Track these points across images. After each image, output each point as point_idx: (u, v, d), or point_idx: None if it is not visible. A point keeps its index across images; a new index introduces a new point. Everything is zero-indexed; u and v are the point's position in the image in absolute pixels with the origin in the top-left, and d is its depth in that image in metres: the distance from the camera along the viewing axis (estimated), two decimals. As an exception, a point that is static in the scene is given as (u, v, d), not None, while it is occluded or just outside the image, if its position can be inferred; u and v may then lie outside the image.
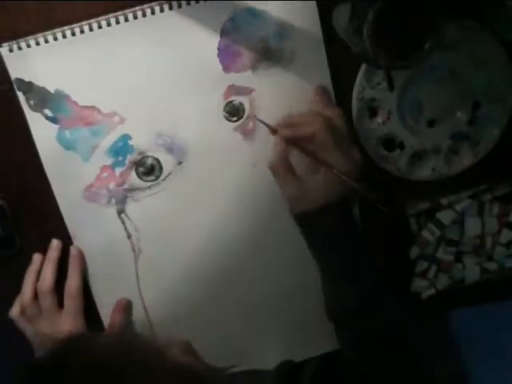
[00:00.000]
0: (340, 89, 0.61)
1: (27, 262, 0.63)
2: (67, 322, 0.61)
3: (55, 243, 0.63)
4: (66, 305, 0.62)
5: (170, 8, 0.57)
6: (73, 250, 0.63)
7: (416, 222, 0.67)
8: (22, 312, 0.62)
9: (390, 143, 0.63)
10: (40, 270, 0.62)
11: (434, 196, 0.66)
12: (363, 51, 0.51)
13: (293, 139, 0.58)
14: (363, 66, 0.60)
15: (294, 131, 0.58)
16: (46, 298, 0.61)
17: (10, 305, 0.63)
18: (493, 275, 0.69)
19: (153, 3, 0.57)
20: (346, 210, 0.58)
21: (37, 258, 0.63)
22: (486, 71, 0.60)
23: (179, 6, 0.57)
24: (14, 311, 0.62)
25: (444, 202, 0.66)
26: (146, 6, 0.57)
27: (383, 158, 0.63)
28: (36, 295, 0.62)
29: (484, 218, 0.67)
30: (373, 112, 0.62)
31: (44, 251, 0.63)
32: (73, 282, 0.62)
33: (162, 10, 0.57)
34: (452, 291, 0.69)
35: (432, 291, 0.68)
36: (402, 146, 0.63)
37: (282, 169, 0.58)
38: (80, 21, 0.57)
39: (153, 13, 0.57)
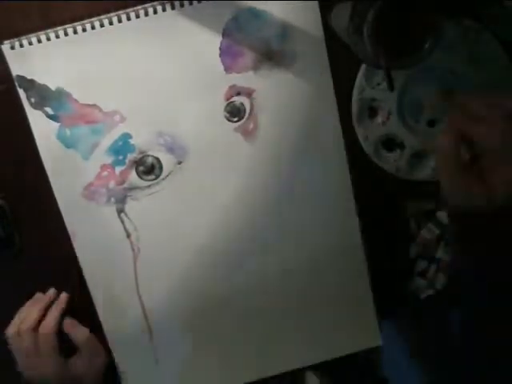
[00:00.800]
0: (340, 89, 0.61)
1: (27, 262, 0.64)
2: (47, 363, 0.62)
3: (66, 296, 0.64)
4: (41, 346, 0.62)
5: (173, 8, 0.57)
6: (62, 297, 0.64)
7: (415, 221, 0.67)
8: (18, 335, 0.62)
9: (390, 143, 0.63)
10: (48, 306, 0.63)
11: (434, 195, 0.66)
12: (363, 51, 0.51)
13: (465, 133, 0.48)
14: (363, 66, 0.60)
15: (477, 129, 0.47)
16: (46, 339, 0.61)
17: (11, 304, 0.63)
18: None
19: (155, 2, 0.57)
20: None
21: (52, 292, 0.64)
22: (486, 71, 0.60)
23: (181, 6, 0.58)
24: (12, 330, 0.62)
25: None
26: (148, 5, 0.57)
27: (383, 158, 0.63)
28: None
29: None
30: (373, 112, 0.62)
31: (44, 251, 0.64)
32: (49, 322, 0.62)
33: (164, 10, 0.57)
34: (451, 292, 0.69)
35: (431, 291, 0.68)
36: (402, 146, 0.63)
37: (451, 159, 0.48)
38: (82, 19, 0.57)
39: (155, 12, 0.57)
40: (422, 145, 0.62)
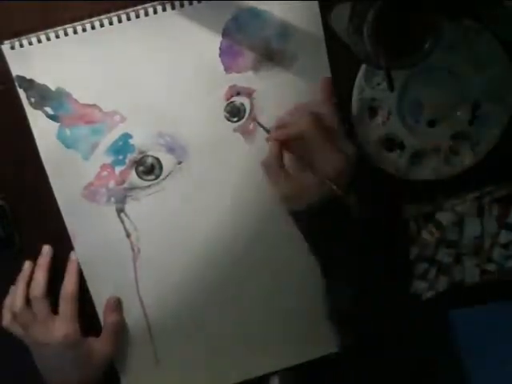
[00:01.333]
0: (340, 89, 0.61)
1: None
2: (62, 327, 0.61)
3: (46, 249, 0.63)
4: (61, 309, 0.62)
5: (173, 7, 0.57)
6: (72, 255, 0.63)
7: (415, 223, 0.67)
8: (14, 319, 0.61)
9: (390, 143, 0.63)
10: (31, 278, 0.62)
11: (434, 196, 0.66)
12: (363, 51, 0.51)
13: (285, 140, 0.58)
14: (363, 66, 0.60)
15: (285, 132, 0.58)
16: (40, 303, 0.61)
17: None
18: (492, 276, 0.69)
19: (155, 2, 0.57)
20: (337, 209, 0.57)
21: (27, 265, 0.63)
22: (486, 71, 0.60)
23: (181, 6, 0.58)
24: (6, 319, 0.62)
25: (446, 204, 0.66)
26: (148, 4, 0.57)
27: (383, 158, 0.63)
28: (27, 302, 0.61)
29: (483, 219, 0.67)
30: (373, 112, 0.62)
31: (44, 251, 0.64)
32: (69, 286, 0.62)
33: (164, 10, 0.57)
34: (452, 293, 0.69)
35: (432, 293, 0.68)
36: (402, 146, 0.63)
37: (274, 168, 0.58)
38: (82, 19, 0.57)
39: (155, 12, 0.57)
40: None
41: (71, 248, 0.63)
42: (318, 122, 0.56)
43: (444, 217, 0.66)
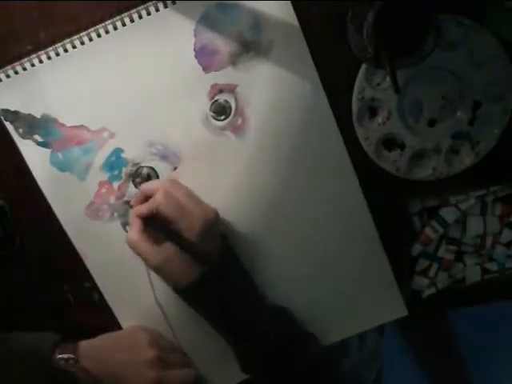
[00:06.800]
0: (340, 89, 0.61)
1: (27, 262, 0.64)
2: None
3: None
4: None
5: (148, 13, 0.57)
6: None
7: (419, 219, 0.67)
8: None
9: (390, 143, 0.63)
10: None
11: (437, 193, 0.66)
12: (363, 51, 0.51)
13: (145, 215, 0.58)
14: (363, 66, 0.60)
15: (143, 207, 0.58)
16: None
17: (10, 304, 0.63)
18: (493, 275, 0.69)
19: (132, 10, 0.57)
20: (216, 277, 0.59)
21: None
22: (486, 71, 0.60)
23: (157, 10, 0.57)
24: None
25: (450, 200, 0.66)
26: (124, 14, 0.57)
27: (383, 158, 0.63)
28: None
29: (486, 218, 0.67)
30: (373, 112, 0.62)
31: (44, 251, 0.64)
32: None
33: (140, 17, 0.57)
34: (452, 291, 0.69)
35: (432, 290, 0.68)
36: (402, 146, 0.63)
37: (140, 245, 0.58)
38: (62, 39, 0.57)
39: (132, 21, 0.57)
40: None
41: (71, 248, 0.63)
42: (169, 195, 0.57)
43: (448, 213, 0.66)
